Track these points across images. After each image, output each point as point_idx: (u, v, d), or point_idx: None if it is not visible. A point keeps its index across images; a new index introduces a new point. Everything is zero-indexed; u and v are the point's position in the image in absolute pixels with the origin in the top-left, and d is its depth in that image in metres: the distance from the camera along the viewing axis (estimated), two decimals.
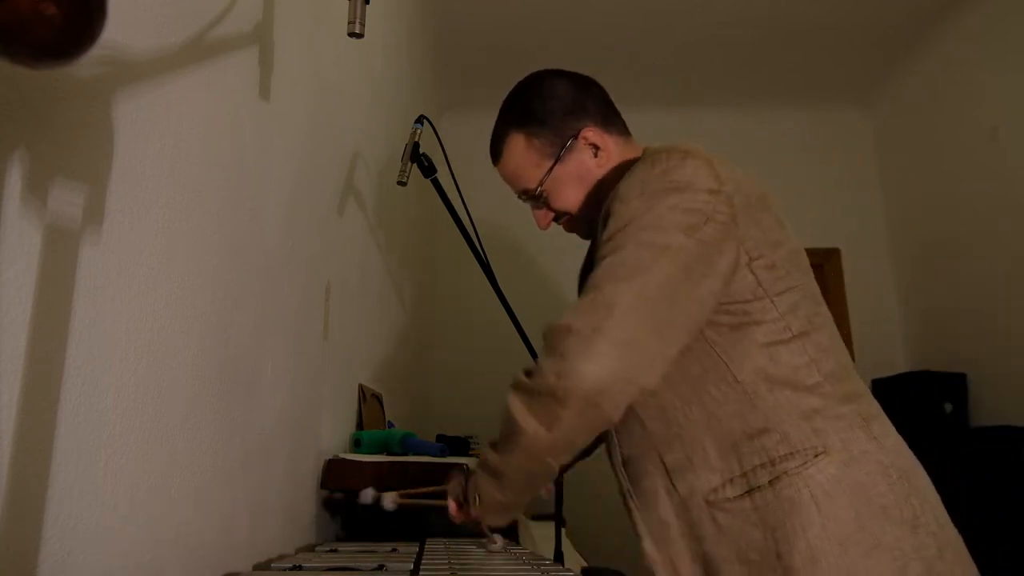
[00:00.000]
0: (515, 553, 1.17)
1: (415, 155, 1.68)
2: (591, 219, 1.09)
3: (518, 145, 1.10)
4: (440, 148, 1.80)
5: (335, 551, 1.19)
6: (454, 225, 1.72)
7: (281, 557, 1.16)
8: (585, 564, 2.11)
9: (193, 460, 0.95)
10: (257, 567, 1.14)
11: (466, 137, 4.21)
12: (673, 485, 0.97)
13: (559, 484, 1.70)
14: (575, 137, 1.08)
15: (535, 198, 1.12)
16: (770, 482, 0.89)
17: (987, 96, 3.32)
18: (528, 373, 0.93)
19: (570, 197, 1.10)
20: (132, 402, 0.80)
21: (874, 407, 0.98)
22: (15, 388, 0.62)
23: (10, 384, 0.61)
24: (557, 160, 1.08)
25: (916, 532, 0.87)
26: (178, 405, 0.91)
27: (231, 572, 1.04)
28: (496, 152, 1.16)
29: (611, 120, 1.12)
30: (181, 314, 0.92)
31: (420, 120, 1.73)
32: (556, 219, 1.15)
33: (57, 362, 0.67)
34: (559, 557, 1.61)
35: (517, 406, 0.91)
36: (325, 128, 1.66)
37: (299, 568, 0.97)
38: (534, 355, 1.77)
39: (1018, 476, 2.73)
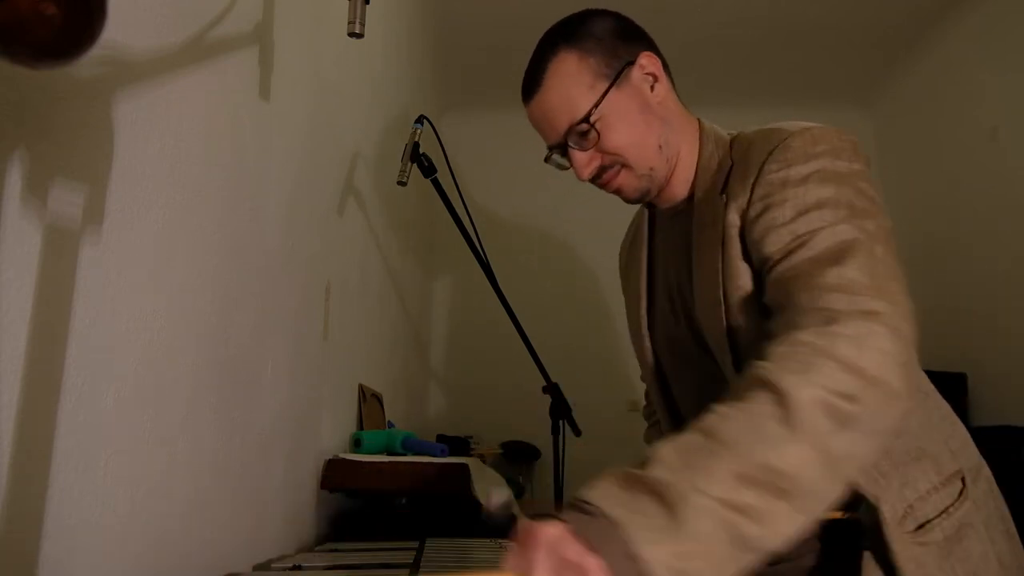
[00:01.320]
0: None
1: (415, 155, 1.68)
2: (654, 174, 0.93)
3: (568, 64, 0.90)
4: (440, 148, 1.80)
5: (335, 551, 1.19)
6: (454, 225, 1.72)
7: (281, 557, 1.16)
8: None
9: (193, 460, 0.95)
10: (257, 567, 1.14)
11: (466, 137, 4.21)
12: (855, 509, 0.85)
13: (559, 484, 1.70)
14: (632, 63, 0.91)
15: (582, 134, 0.90)
16: (941, 513, 0.82)
17: (987, 96, 3.32)
18: None
19: (629, 137, 0.90)
20: (132, 402, 0.80)
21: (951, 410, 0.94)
22: (15, 388, 0.62)
23: (10, 384, 0.61)
24: (614, 83, 0.89)
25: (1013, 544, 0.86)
26: (178, 405, 0.91)
27: (231, 572, 1.04)
28: (536, 79, 0.92)
29: (666, 66, 0.96)
30: (181, 314, 0.92)
31: (420, 120, 1.73)
32: (601, 172, 0.93)
33: (57, 362, 0.67)
34: None
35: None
36: (325, 128, 1.66)
37: (299, 568, 0.97)
38: (534, 355, 1.77)
39: (1018, 476, 2.73)
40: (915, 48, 3.79)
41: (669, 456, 0.58)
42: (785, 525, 0.57)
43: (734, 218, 0.85)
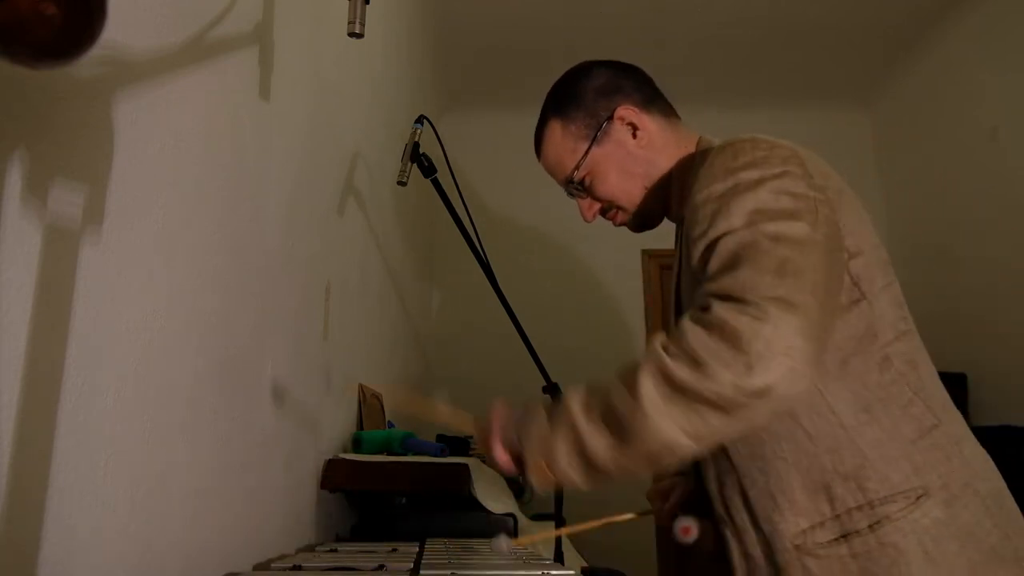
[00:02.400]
0: (514, 552, 1.17)
1: (415, 155, 1.68)
2: (645, 211, 1.05)
3: (555, 132, 1.06)
4: (440, 148, 1.80)
5: (335, 551, 1.19)
6: (454, 225, 1.72)
7: (281, 557, 1.16)
8: (585, 564, 2.11)
9: (193, 460, 0.95)
10: (257, 567, 1.14)
11: (466, 137, 4.21)
12: (757, 523, 0.90)
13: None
14: (610, 118, 1.03)
15: (578, 187, 1.06)
16: (870, 527, 0.82)
17: (987, 96, 3.32)
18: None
19: (615, 184, 1.04)
20: (132, 402, 0.80)
21: (960, 422, 0.90)
22: (15, 388, 0.62)
23: (10, 384, 0.61)
24: (593, 142, 1.03)
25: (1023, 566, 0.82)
26: (178, 405, 0.91)
27: (231, 572, 1.04)
28: (538, 145, 1.11)
29: (653, 102, 1.06)
30: (181, 314, 0.92)
31: (420, 120, 1.73)
32: (604, 212, 1.09)
33: (57, 362, 0.67)
34: (559, 557, 1.61)
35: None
36: (325, 128, 1.66)
37: (299, 568, 0.97)
38: (534, 355, 1.77)
39: (1018, 476, 2.73)
40: (915, 48, 3.79)
41: (586, 389, 0.82)
42: (609, 448, 0.77)
43: (687, 240, 0.93)
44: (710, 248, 0.82)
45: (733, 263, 0.78)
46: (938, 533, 0.80)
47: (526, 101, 4.13)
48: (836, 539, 0.83)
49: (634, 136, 1.03)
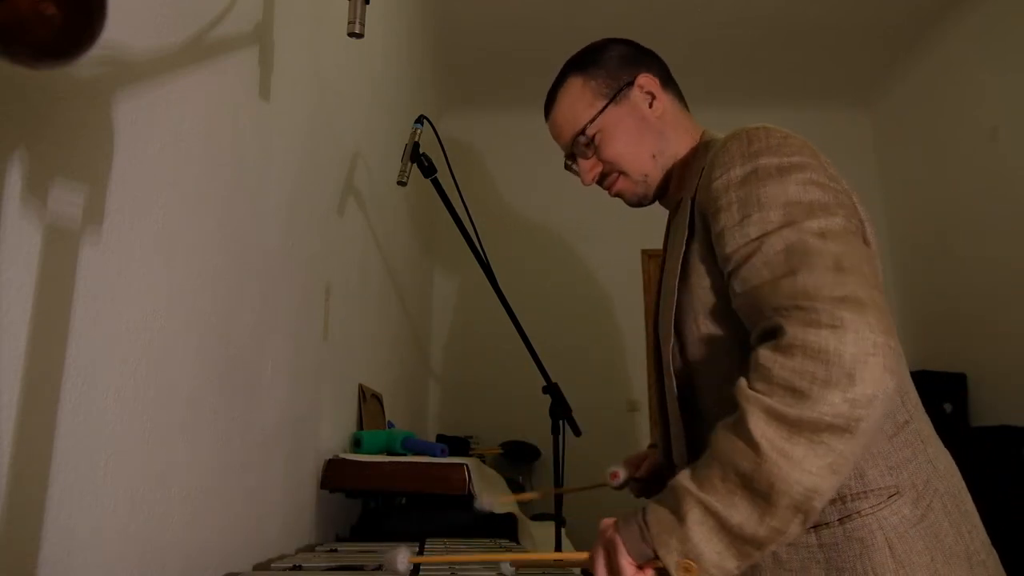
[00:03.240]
0: (514, 553, 1.17)
1: (415, 155, 1.68)
2: (649, 182, 1.04)
3: (574, 86, 1.05)
4: (440, 148, 1.80)
5: (335, 551, 1.19)
6: (454, 225, 1.72)
7: (281, 557, 1.16)
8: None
9: (193, 460, 0.95)
10: (257, 567, 1.14)
11: (466, 137, 4.22)
12: None
13: (559, 484, 1.70)
14: (631, 84, 1.04)
15: (584, 145, 1.04)
16: (839, 520, 0.82)
17: (987, 96, 3.32)
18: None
19: (624, 147, 1.03)
20: (132, 402, 0.80)
21: (927, 421, 0.91)
22: (15, 388, 0.62)
23: (10, 384, 0.61)
24: (612, 100, 1.03)
25: (972, 568, 0.83)
26: (178, 405, 0.91)
27: (231, 572, 1.04)
28: (550, 100, 1.09)
29: (669, 84, 1.07)
30: (181, 314, 0.92)
31: (420, 120, 1.73)
32: (603, 177, 1.07)
33: (57, 362, 0.67)
34: None
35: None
36: (325, 128, 1.66)
37: (299, 568, 0.97)
38: (534, 354, 1.77)
39: (1018, 476, 2.73)
40: (915, 48, 3.79)
41: (695, 467, 0.74)
42: (760, 519, 0.70)
43: (701, 224, 0.91)
44: (751, 248, 0.80)
45: (788, 268, 0.76)
46: (905, 531, 0.82)
47: (526, 101, 4.14)
48: (807, 529, 0.84)
49: (650, 106, 1.04)
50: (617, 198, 1.09)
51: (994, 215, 3.24)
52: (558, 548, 1.63)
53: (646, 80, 1.04)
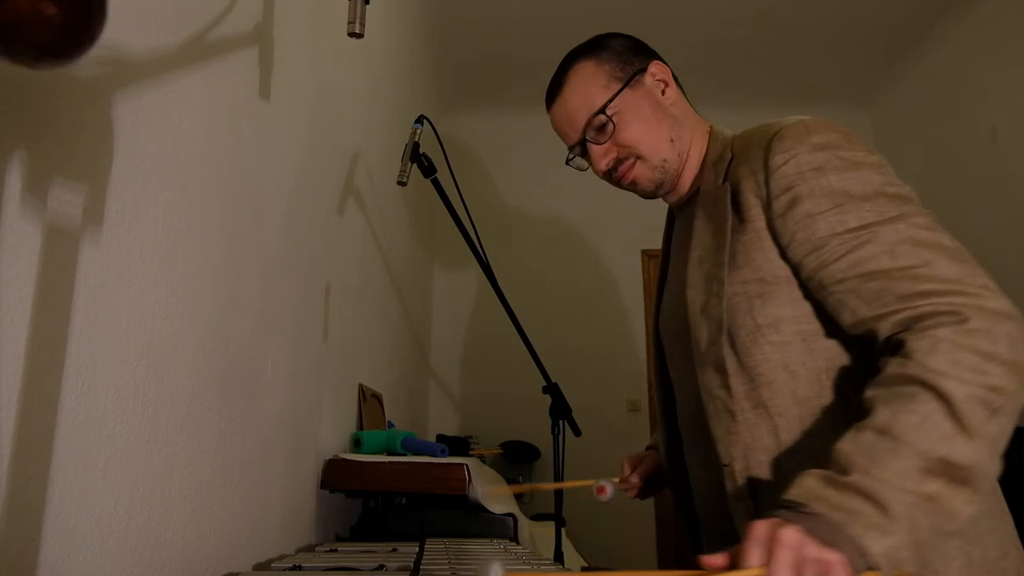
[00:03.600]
0: (515, 553, 1.17)
1: (415, 155, 1.68)
2: (667, 168, 1.00)
3: (586, 69, 1.01)
4: (440, 148, 1.80)
5: (335, 551, 1.19)
6: (454, 225, 1.72)
7: (281, 557, 1.16)
8: (585, 564, 2.11)
9: (193, 460, 0.95)
10: (257, 567, 1.14)
11: (466, 137, 4.22)
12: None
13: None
14: (643, 70, 1.02)
15: (600, 127, 0.99)
16: None
17: (987, 96, 3.32)
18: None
19: (642, 130, 0.99)
20: (132, 402, 0.80)
21: None
22: (15, 388, 0.62)
23: (10, 384, 0.61)
24: (627, 84, 1.00)
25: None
26: (178, 405, 0.91)
27: (231, 572, 1.04)
28: (557, 85, 1.04)
29: (675, 77, 1.06)
30: (181, 314, 0.92)
31: (420, 120, 1.73)
32: (617, 165, 1.01)
33: (57, 362, 0.67)
34: (559, 557, 1.61)
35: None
36: (325, 128, 1.66)
37: (299, 568, 0.97)
38: (534, 355, 1.77)
39: (1018, 476, 2.73)
40: (915, 48, 3.79)
41: (858, 458, 0.69)
42: (966, 506, 0.68)
43: (755, 212, 0.87)
44: (858, 237, 0.80)
45: (919, 259, 0.77)
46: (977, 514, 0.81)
47: (526, 101, 4.14)
48: None
49: (663, 93, 1.02)
50: (627, 191, 1.06)
51: (994, 215, 3.24)
52: (558, 548, 1.64)
53: (659, 67, 1.02)
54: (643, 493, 1.20)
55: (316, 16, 1.54)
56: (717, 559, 0.67)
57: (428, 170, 1.71)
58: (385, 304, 2.50)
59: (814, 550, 0.63)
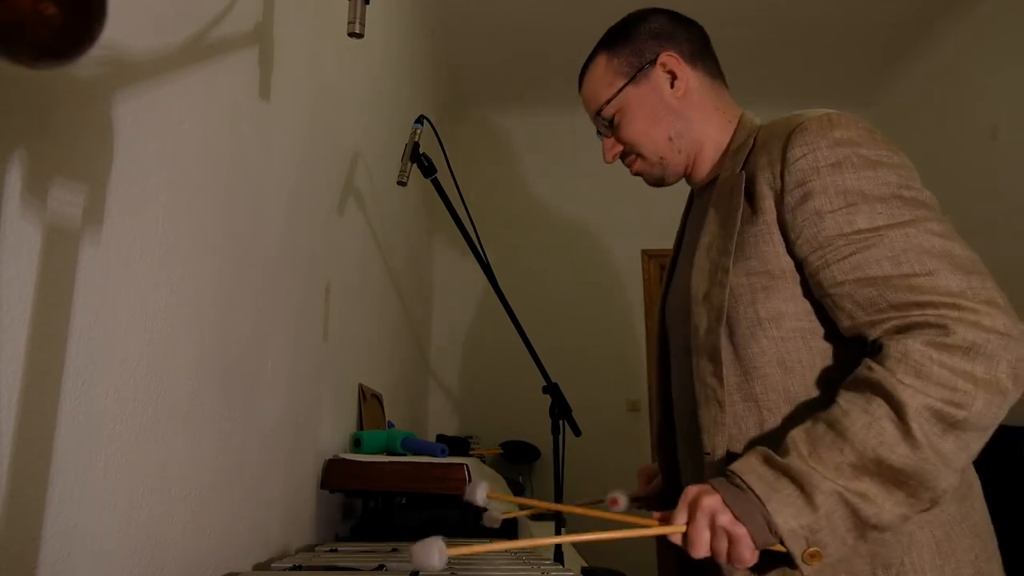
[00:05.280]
0: (515, 553, 1.17)
1: (415, 155, 1.68)
2: (667, 163, 1.02)
3: (599, 65, 1.05)
4: (440, 148, 1.80)
5: (335, 551, 1.19)
6: (454, 225, 1.72)
7: (281, 557, 1.16)
8: (585, 564, 2.11)
9: (193, 460, 0.95)
10: (257, 567, 1.14)
11: (466, 137, 4.22)
12: None
13: (559, 484, 1.70)
14: (652, 62, 1.02)
15: (605, 124, 1.04)
16: None
17: (987, 96, 3.32)
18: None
19: (640, 128, 1.02)
20: (132, 402, 0.80)
21: None
22: (15, 388, 0.62)
23: (10, 384, 0.61)
24: (631, 80, 1.02)
25: (1002, 566, 0.83)
26: (178, 405, 0.91)
27: (231, 572, 1.04)
28: (582, 76, 1.09)
29: (701, 59, 1.04)
30: (181, 314, 0.92)
31: (420, 120, 1.73)
32: (623, 156, 1.06)
33: (57, 362, 0.67)
34: (559, 557, 1.61)
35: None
36: (325, 128, 1.66)
37: (299, 568, 0.97)
38: (534, 355, 1.77)
39: (1018, 475, 2.73)
40: (915, 47, 3.79)
41: (802, 444, 0.73)
42: (896, 507, 0.71)
43: (768, 204, 0.86)
44: (865, 240, 0.79)
45: (922, 267, 0.76)
46: (951, 529, 0.81)
47: (526, 101, 4.14)
48: None
49: (672, 86, 1.01)
50: (636, 177, 1.08)
51: (994, 215, 3.24)
52: (558, 548, 1.63)
53: (668, 59, 1.01)
54: (655, 505, 1.18)
55: (316, 16, 1.54)
56: (656, 516, 0.76)
57: (428, 170, 1.71)
58: (385, 304, 2.50)
59: (726, 520, 0.70)
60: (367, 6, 0.98)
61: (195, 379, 0.96)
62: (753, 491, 0.71)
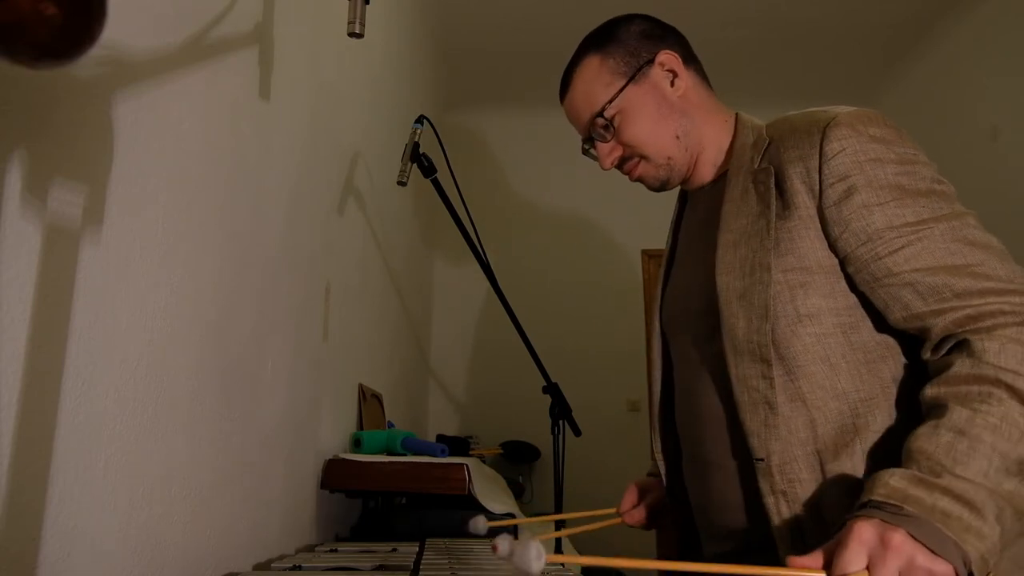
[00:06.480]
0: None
1: (415, 155, 1.68)
2: (673, 164, 0.99)
3: (591, 66, 1.00)
4: (440, 148, 1.80)
5: (335, 551, 1.19)
6: (454, 225, 1.72)
7: (281, 557, 1.16)
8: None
9: (193, 460, 0.95)
10: (257, 567, 1.14)
11: (466, 137, 4.22)
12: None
13: (559, 484, 1.71)
14: (651, 62, 0.98)
15: (604, 127, 0.99)
16: None
17: (987, 97, 3.32)
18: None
19: (645, 129, 0.98)
20: (132, 402, 0.80)
21: None
22: (15, 388, 0.62)
23: (10, 384, 0.61)
24: (631, 80, 0.98)
25: None
26: (178, 405, 0.91)
27: (231, 572, 1.04)
28: (566, 83, 1.03)
29: (692, 61, 1.02)
30: (181, 314, 0.92)
31: (420, 120, 1.73)
32: (623, 161, 1.01)
33: (57, 362, 0.67)
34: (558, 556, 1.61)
35: None
36: (325, 128, 1.66)
37: (299, 568, 0.97)
38: (534, 355, 1.77)
39: None
40: (915, 48, 3.79)
41: (941, 458, 0.68)
42: None
43: (801, 199, 0.85)
44: (914, 232, 0.80)
45: (974, 258, 0.78)
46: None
47: (526, 101, 4.14)
48: None
49: (672, 84, 0.99)
50: (636, 183, 1.04)
51: (994, 215, 3.23)
52: (557, 548, 1.64)
53: (667, 57, 0.99)
54: (650, 524, 1.14)
55: (316, 16, 1.54)
56: (808, 560, 0.65)
57: (428, 170, 1.71)
58: (385, 304, 2.50)
59: (925, 559, 0.61)
60: (367, 6, 0.98)
61: (195, 379, 0.96)
62: (929, 520, 0.63)
